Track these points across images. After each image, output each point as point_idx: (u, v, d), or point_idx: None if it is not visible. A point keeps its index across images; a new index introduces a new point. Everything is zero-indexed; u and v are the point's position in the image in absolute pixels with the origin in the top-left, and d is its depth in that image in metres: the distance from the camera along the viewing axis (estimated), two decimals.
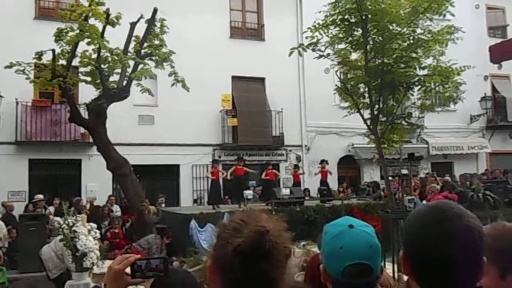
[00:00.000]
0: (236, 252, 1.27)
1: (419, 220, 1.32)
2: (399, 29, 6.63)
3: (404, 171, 11.63)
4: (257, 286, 1.27)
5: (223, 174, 13.96)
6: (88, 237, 6.79)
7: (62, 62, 11.68)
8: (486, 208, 12.95)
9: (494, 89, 22.51)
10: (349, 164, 19.76)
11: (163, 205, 14.81)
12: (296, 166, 16.17)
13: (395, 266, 6.29)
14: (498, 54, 10.05)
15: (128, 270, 1.58)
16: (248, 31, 19.21)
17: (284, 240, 1.32)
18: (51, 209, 13.26)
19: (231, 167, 14.47)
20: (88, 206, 13.51)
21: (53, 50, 11.32)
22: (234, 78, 18.04)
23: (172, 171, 17.18)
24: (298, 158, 18.73)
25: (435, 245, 1.25)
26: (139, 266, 1.56)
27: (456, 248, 1.24)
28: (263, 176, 14.83)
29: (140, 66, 11.55)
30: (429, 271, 1.28)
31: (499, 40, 14.34)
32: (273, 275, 1.27)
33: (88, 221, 7.53)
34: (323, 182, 15.07)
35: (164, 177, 17.10)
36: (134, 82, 11.84)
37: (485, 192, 14.03)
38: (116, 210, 13.99)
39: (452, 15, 6.72)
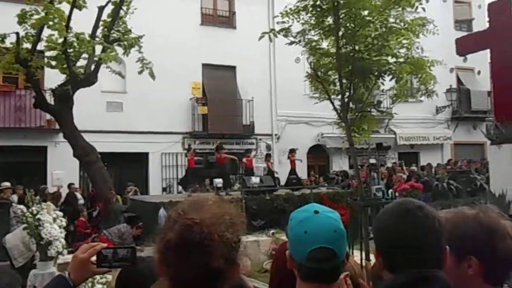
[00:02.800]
0: (167, 247, 1.28)
1: (386, 214, 1.49)
2: (371, 17, 6.67)
3: (372, 161, 11.87)
4: (197, 277, 1.27)
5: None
6: (53, 225, 6.65)
7: (27, 45, 11.31)
8: (450, 197, 13.33)
9: (459, 81, 23.09)
10: (318, 153, 19.99)
11: (130, 193, 14.63)
12: (268, 156, 16.24)
13: (363, 253, 6.40)
14: (464, 47, 10.31)
15: (94, 259, 1.54)
16: (219, 18, 19.06)
17: (222, 228, 1.29)
18: (15, 197, 12.91)
19: (202, 155, 14.43)
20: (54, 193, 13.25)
21: (17, 33, 10.94)
22: (204, 66, 17.90)
23: (141, 159, 17.00)
24: (268, 147, 18.81)
25: (401, 233, 1.39)
26: (105, 255, 1.53)
27: (419, 234, 1.38)
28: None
29: (108, 50, 11.30)
30: (398, 258, 1.40)
31: (465, 34, 14.71)
32: (212, 266, 1.26)
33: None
34: (292, 171, 15.18)
35: (133, 165, 16.89)
36: (104, 65, 11.57)
37: (449, 181, 14.43)
38: (79, 198, 13.75)
39: (423, 9, 6.81)
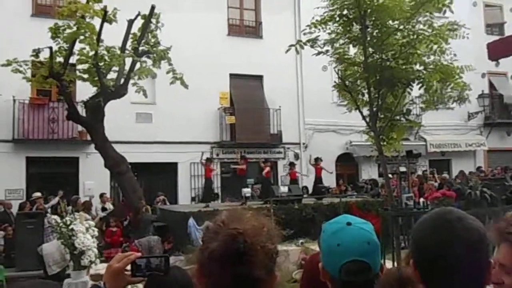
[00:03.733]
0: (210, 257, 1.28)
1: (423, 225, 1.39)
2: (398, 24, 6.60)
3: (403, 169, 11.65)
4: None
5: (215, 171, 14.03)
6: (86, 235, 6.78)
7: (60, 59, 11.63)
8: (484, 205, 12.96)
9: (491, 86, 22.54)
10: (347, 162, 19.77)
11: (159, 203, 14.76)
12: (291, 164, 16.13)
13: (395, 263, 6.28)
14: (495, 52, 10.06)
15: (128, 268, 1.55)
16: (246, 28, 19.19)
17: (263, 239, 1.30)
18: (47, 206, 13.21)
19: (229, 164, 14.45)
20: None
21: (50, 48, 11.27)
22: (232, 75, 18.01)
23: (170, 169, 17.16)
24: (296, 156, 18.73)
25: (435, 245, 1.30)
26: (139, 265, 1.54)
27: (458, 248, 1.28)
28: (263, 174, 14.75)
29: (138, 64, 11.52)
30: (433, 271, 1.31)
31: (496, 38, 14.38)
32: (254, 276, 1.26)
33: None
34: (318, 179, 15.05)
35: (162, 175, 17.07)
36: (130, 81, 11.80)
37: (483, 189, 14.04)
38: (109, 207, 13.96)
39: (451, 11, 6.68)
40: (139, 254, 1.57)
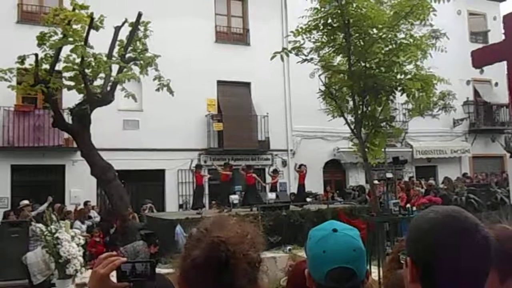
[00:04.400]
0: (192, 265, 1.28)
1: (435, 229, 1.25)
2: (381, 33, 6.70)
3: (389, 175, 11.73)
4: None
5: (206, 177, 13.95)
6: (71, 244, 6.70)
7: (46, 66, 11.54)
8: (471, 211, 13.05)
9: (476, 94, 22.86)
10: (335, 168, 19.86)
11: (146, 211, 14.65)
12: (275, 171, 16.11)
13: (381, 270, 6.30)
14: (480, 59, 10.21)
15: (113, 273, 1.54)
16: (233, 35, 19.24)
17: (246, 247, 1.29)
18: (33, 214, 13.03)
19: (217, 172, 14.40)
20: (73, 211, 13.37)
21: (36, 55, 11.18)
22: (219, 82, 18.03)
23: (158, 176, 17.07)
24: (284, 163, 18.76)
25: (455, 257, 1.20)
26: (124, 271, 1.52)
27: (474, 260, 1.21)
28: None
29: (124, 70, 11.47)
30: (442, 281, 1.22)
31: (480, 46, 14.59)
32: (237, 285, 1.25)
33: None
34: (301, 186, 15.03)
35: (150, 183, 16.97)
36: (119, 87, 11.75)
37: (469, 195, 14.19)
38: (94, 215, 13.83)
39: (431, 25, 6.83)
40: (124, 259, 1.56)
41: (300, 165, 15.47)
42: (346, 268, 1.37)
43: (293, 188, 17.38)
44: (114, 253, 1.58)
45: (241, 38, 19.23)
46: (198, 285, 1.27)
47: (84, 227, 12.38)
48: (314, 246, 1.43)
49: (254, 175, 14.02)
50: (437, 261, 1.23)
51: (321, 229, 1.49)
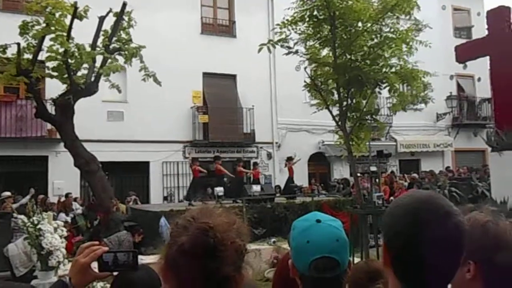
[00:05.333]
0: (179, 251, 1.26)
1: (407, 216, 1.23)
2: (366, 26, 6.73)
3: (373, 168, 11.83)
4: (206, 284, 1.26)
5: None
6: (54, 235, 6.64)
7: (28, 56, 11.35)
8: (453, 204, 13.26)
9: (459, 88, 23.14)
10: (319, 161, 19.97)
11: (130, 203, 14.59)
12: (255, 164, 16.16)
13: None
14: (463, 54, 10.34)
15: (95, 263, 1.53)
16: (220, 27, 19.15)
17: (233, 235, 1.29)
18: (14, 206, 12.88)
19: (204, 164, 14.42)
20: (56, 203, 13.26)
21: (18, 44, 10.98)
22: (205, 74, 17.96)
23: (142, 168, 16.99)
24: (269, 155, 18.80)
25: (426, 244, 1.19)
26: (106, 260, 1.51)
27: (444, 248, 1.20)
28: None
29: (109, 61, 11.33)
30: (411, 268, 1.22)
31: (464, 41, 14.75)
32: (223, 272, 1.25)
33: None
34: (290, 179, 15.13)
35: (134, 174, 16.89)
36: (103, 77, 11.61)
37: (450, 188, 14.39)
38: (76, 207, 13.72)
39: (415, 18, 6.88)
40: (106, 248, 1.55)
41: (288, 158, 15.55)
42: (330, 258, 1.38)
43: (278, 180, 17.45)
44: (96, 242, 1.57)
45: (227, 30, 19.15)
46: (184, 272, 1.26)
47: (68, 219, 12.29)
48: (298, 237, 1.45)
49: (220, 167, 14.03)
50: (407, 248, 1.22)
51: (304, 220, 1.50)
